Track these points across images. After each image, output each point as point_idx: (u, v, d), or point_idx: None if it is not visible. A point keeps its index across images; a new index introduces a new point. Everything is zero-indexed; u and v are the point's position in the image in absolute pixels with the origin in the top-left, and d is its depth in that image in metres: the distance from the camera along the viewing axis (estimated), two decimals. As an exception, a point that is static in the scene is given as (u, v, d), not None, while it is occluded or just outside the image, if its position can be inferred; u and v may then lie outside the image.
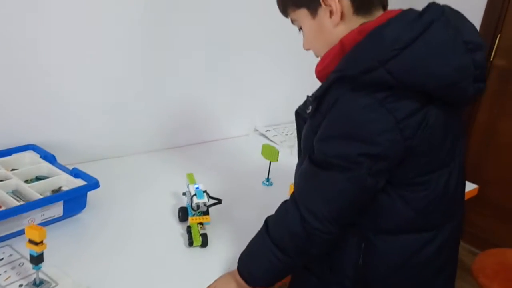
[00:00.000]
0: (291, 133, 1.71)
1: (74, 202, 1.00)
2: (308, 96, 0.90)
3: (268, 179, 1.32)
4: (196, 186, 1.05)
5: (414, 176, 0.78)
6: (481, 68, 0.74)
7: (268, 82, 1.71)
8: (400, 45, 0.70)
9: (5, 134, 1.16)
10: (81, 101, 1.27)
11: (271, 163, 1.29)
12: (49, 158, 1.13)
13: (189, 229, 1.00)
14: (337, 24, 0.81)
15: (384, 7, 0.83)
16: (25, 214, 0.91)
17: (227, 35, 1.51)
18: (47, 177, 1.09)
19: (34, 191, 0.98)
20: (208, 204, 1.01)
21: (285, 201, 0.86)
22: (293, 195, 0.83)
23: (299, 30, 0.91)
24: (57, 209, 0.97)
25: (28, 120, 1.19)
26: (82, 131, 1.30)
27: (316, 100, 0.80)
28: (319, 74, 0.84)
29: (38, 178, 1.08)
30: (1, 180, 1.03)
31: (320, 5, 0.81)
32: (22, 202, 0.95)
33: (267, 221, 0.87)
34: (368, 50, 0.73)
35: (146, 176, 1.29)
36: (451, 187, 0.82)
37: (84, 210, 1.04)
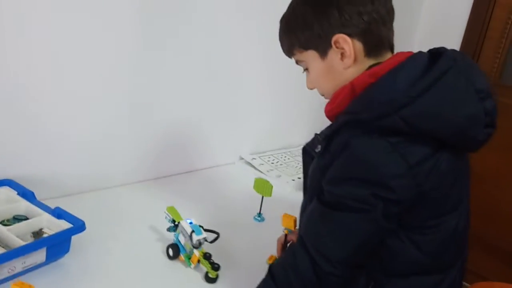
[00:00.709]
0: (277, 162, 1.67)
1: (57, 247, 0.92)
2: (316, 134, 0.88)
3: (259, 214, 1.27)
4: (189, 221, 1.01)
5: (425, 220, 0.77)
6: (491, 115, 0.74)
7: (253, 109, 1.66)
8: (414, 93, 0.69)
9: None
10: (60, 131, 1.18)
11: (263, 197, 1.25)
12: (27, 195, 1.04)
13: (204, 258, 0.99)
14: (348, 67, 0.79)
15: (392, 49, 0.83)
16: (5, 264, 0.83)
17: (212, 63, 1.46)
18: (25, 217, 1.00)
19: (13, 235, 0.89)
20: (210, 240, 1.00)
21: (292, 245, 0.83)
22: (300, 238, 0.79)
23: (304, 71, 0.89)
24: (39, 256, 0.89)
25: (2, 153, 1.10)
26: (61, 163, 1.21)
27: (326, 139, 0.78)
28: (329, 113, 0.83)
29: (15, 218, 0.99)
30: (-25, 222, 0.94)
31: (330, 47, 0.80)
32: (1, 249, 0.86)
33: (271, 268, 0.83)
34: (381, 96, 0.72)
35: (129, 211, 1.22)
36: (460, 229, 0.81)
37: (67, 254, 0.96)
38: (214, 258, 1.01)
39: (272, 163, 1.65)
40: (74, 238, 0.96)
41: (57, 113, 1.16)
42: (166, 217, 1.04)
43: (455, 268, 0.84)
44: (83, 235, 0.97)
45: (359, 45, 0.78)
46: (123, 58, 1.24)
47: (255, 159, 1.65)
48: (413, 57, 0.76)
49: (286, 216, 1.04)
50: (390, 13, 0.81)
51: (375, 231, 0.74)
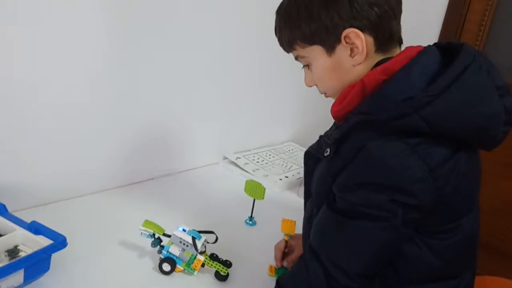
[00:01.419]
0: (262, 160, 1.61)
1: (37, 266, 0.83)
2: (321, 136, 0.82)
3: (251, 218, 1.21)
4: (181, 228, 0.95)
5: (442, 224, 0.73)
6: (509, 113, 0.70)
7: (235, 107, 1.59)
8: (435, 91, 0.65)
9: None
10: (29, 136, 1.07)
11: (255, 200, 1.18)
12: (-2, 208, 0.94)
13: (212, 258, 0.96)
14: (359, 64, 0.74)
15: (400, 43, 0.78)
16: (-23, 290, 0.73)
17: (192, 61, 1.37)
18: (-2, 233, 0.90)
19: (-15, 256, 0.80)
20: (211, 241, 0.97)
21: (301, 257, 0.77)
22: (311, 249, 0.74)
23: (304, 67, 0.83)
24: (16, 278, 0.79)
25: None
26: (32, 171, 1.10)
27: (336, 143, 0.72)
28: (336, 114, 0.77)
29: (-15, 235, 0.89)
30: None
31: (339, 42, 0.74)
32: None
33: (279, 283, 0.77)
34: (398, 94, 0.67)
35: (109, 221, 1.12)
36: (474, 230, 0.78)
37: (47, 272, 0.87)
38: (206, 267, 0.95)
39: (257, 162, 1.59)
40: (54, 254, 0.86)
41: (26, 117, 1.06)
42: (142, 234, 0.95)
43: (469, 271, 0.81)
44: (64, 249, 0.88)
45: (370, 40, 0.73)
46: (97, 55, 1.13)
47: (239, 158, 1.59)
48: (425, 52, 0.72)
49: (285, 221, 0.98)
50: (399, 5, 0.75)
51: (395, 238, 0.70)
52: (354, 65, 0.75)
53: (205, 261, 0.93)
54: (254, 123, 1.70)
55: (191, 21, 1.31)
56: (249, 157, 1.61)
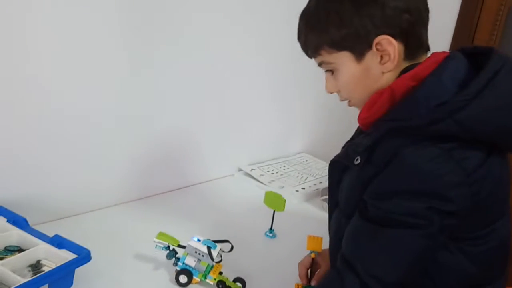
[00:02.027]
0: (277, 172, 1.59)
1: (61, 281, 0.81)
2: (347, 144, 0.80)
3: (271, 230, 1.19)
4: (196, 239, 0.93)
5: (477, 229, 0.72)
6: None
7: (249, 119, 1.58)
8: (469, 95, 0.64)
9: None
10: (50, 149, 1.06)
11: (275, 212, 1.17)
12: (19, 222, 0.92)
13: (222, 284, 0.92)
14: (388, 71, 0.73)
15: (427, 50, 0.78)
16: (2, 306, 0.71)
17: (207, 73, 1.36)
18: (19, 247, 0.89)
19: (8, 271, 0.78)
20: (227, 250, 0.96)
21: (331, 269, 0.76)
22: (344, 260, 0.72)
23: (327, 73, 0.81)
24: (40, 293, 0.78)
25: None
26: (49, 184, 1.09)
27: (368, 150, 0.71)
28: (364, 121, 0.76)
29: (7, 250, 0.88)
30: (-39, 257, 0.82)
31: (369, 48, 0.72)
32: (-5, 288, 0.74)
33: None
34: (431, 100, 0.66)
35: (127, 234, 1.10)
36: (507, 235, 0.77)
37: None
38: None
39: (272, 173, 1.58)
40: (77, 269, 0.85)
41: (46, 133, 1.05)
42: (157, 246, 0.94)
43: (503, 277, 0.79)
44: (86, 264, 0.86)
45: (401, 48, 0.72)
46: (111, 66, 1.12)
47: (254, 170, 1.57)
48: (453, 57, 0.71)
49: (311, 238, 0.96)
50: (428, 13, 0.75)
51: (431, 246, 0.68)
52: (383, 73, 0.74)
53: (219, 278, 0.92)
54: (267, 135, 1.68)
55: (205, 33, 1.30)
56: (263, 169, 1.59)
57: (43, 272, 0.79)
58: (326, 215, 1.31)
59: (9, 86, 0.97)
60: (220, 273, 0.94)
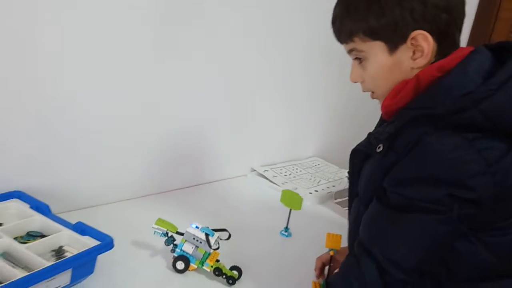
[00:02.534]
0: (290, 174, 1.60)
1: (83, 267, 0.81)
2: (370, 134, 0.81)
3: (287, 228, 1.19)
4: (195, 226, 0.95)
5: (498, 220, 0.72)
6: None
7: (264, 120, 1.59)
8: (494, 85, 0.66)
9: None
10: (71, 141, 1.08)
11: (291, 211, 1.17)
12: (42, 208, 0.93)
13: (219, 271, 0.92)
14: (418, 67, 0.74)
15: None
16: (28, 288, 0.72)
17: (224, 72, 1.38)
18: (40, 233, 0.89)
19: (34, 254, 0.78)
20: (224, 238, 0.97)
21: (349, 255, 0.77)
22: (361, 245, 0.74)
23: (354, 61, 0.82)
24: (64, 278, 0.78)
25: (9, 162, 0.98)
26: (71, 175, 1.10)
27: (391, 137, 0.72)
28: (387, 109, 0.77)
29: (29, 235, 0.88)
30: (-15, 239, 0.82)
31: (404, 42, 0.73)
32: (20, 270, 0.75)
33: (328, 283, 0.76)
34: (457, 89, 0.68)
35: (141, 227, 1.08)
36: None
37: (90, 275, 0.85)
38: (245, 280, 0.95)
39: (285, 175, 1.58)
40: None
41: (69, 121, 1.06)
42: (155, 232, 0.95)
43: None
44: (104, 253, 0.86)
45: (435, 46, 0.73)
46: (129, 62, 1.13)
47: (267, 171, 1.58)
48: (478, 51, 0.73)
49: (330, 235, 0.97)
50: (464, 17, 0.76)
51: (450, 232, 0.69)
52: (413, 68, 0.75)
53: (215, 265, 0.93)
54: (280, 137, 1.69)
55: (219, 34, 1.31)
56: (276, 170, 1.60)
57: (67, 257, 0.80)
58: (340, 217, 1.34)
59: (37, 82, 0.98)
60: (217, 260, 0.95)
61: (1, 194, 0.95)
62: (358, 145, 0.83)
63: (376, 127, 0.90)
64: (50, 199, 0.98)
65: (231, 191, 1.44)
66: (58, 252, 0.84)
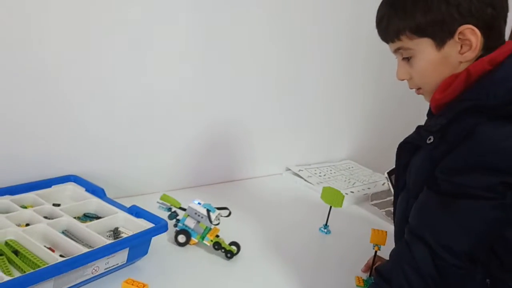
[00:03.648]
0: (324, 175, 1.61)
1: (139, 247, 0.84)
2: (420, 127, 0.82)
3: (326, 225, 1.20)
4: (197, 202, 0.98)
5: None
6: None
7: (301, 121, 1.61)
8: None
9: (40, 162, 0.99)
10: (110, 132, 1.11)
11: (331, 208, 1.19)
12: (97, 191, 0.97)
13: (218, 245, 0.96)
14: (467, 61, 0.76)
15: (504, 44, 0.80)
16: (90, 263, 0.75)
17: (268, 70, 1.41)
18: (95, 215, 0.93)
19: (94, 232, 0.82)
20: (225, 215, 1.00)
21: (399, 244, 0.79)
22: (412, 232, 0.75)
23: (400, 60, 0.83)
24: (121, 256, 0.81)
25: (65, 148, 1.03)
26: (120, 162, 1.14)
27: (442, 129, 0.73)
28: (437, 102, 0.78)
29: (86, 216, 0.92)
30: (46, 217, 0.86)
31: (451, 37, 0.75)
32: (82, 246, 0.78)
33: (381, 271, 0.77)
34: (509, 81, 0.70)
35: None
36: None
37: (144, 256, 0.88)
38: (285, 275, 0.96)
39: (320, 175, 1.60)
40: (149, 240, 0.88)
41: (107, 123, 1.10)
42: (160, 207, 0.99)
43: None
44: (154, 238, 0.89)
45: (482, 39, 0.74)
46: (170, 54, 1.16)
47: (302, 170, 1.59)
48: None
49: (375, 231, 0.97)
50: (507, 11, 0.78)
51: (502, 219, 0.69)
52: (461, 62, 0.76)
53: (215, 240, 0.96)
54: (314, 139, 1.71)
55: (262, 34, 1.34)
56: (310, 171, 1.62)
57: (124, 237, 0.83)
58: (378, 218, 1.35)
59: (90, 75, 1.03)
60: (217, 236, 0.98)
61: (58, 177, 0.99)
62: (406, 138, 0.84)
63: (425, 123, 0.91)
64: (104, 184, 1.02)
65: (267, 188, 1.46)
66: (115, 232, 0.88)
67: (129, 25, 1.05)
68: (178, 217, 0.99)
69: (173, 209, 0.99)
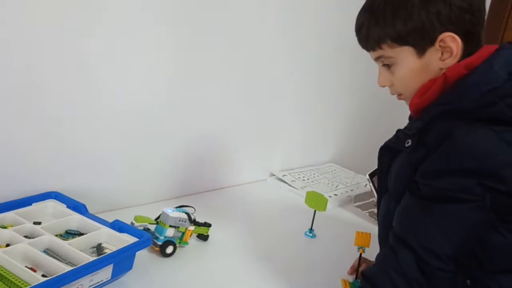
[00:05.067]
0: (308, 179, 1.62)
1: (123, 263, 0.84)
2: (399, 130, 0.84)
3: (311, 230, 1.21)
4: (170, 210, 1.00)
5: None
6: None
7: (283, 127, 1.62)
8: None
9: (19, 179, 0.97)
10: (91, 145, 1.10)
11: (316, 212, 1.19)
12: (79, 208, 0.96)
13: (200, 235, 1.07)
14: (447, 67, 0.77)
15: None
16: (74, 282, 0.74)
17: (243, 77, 1.41)
18: (78, 231, 0.92)
19: (77, 250, 0.81)
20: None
21: (383, 250, 0.79)
22: (397, 238, 0.76)
23: (381, 67, 0.84)
24: (106, 273, 0.80)
25: (44, 164, 1.01)
26: (102, 178, 1.13)
27: (419, 132, 0.75)
28: (415, 107, 0.80)
29: (68, 233, 0.91)
30: (27, 236, 0.84)
31: (431, 45, 0.76)
32: (64, 264, 0.77)
33: (367, 275, 0.78)
34: (483, 85, 0.71)
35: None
36: None
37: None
38: (272, 281, 0.97)
39: (303, 180, 1.61)
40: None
41: (92, 134, 1.10)
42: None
43: None
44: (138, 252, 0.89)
45: (462, 46, 0.76)
46: (156, 70, 1.17)
47: (286, 175, 1.60)
48: (502, 48, 0.76)
49: (360, 233, 0.98)
50: (485, 14, 0.79)
51: (484, 220, 0.71)
52: (441, 68, 0.77)
53: (193, 230, 1.03)
54: (297, 143, 1.72)
55: (243, 39, 1.35)
56: (294, 175, 1.63)
57: (107, 253, 0.82)
58: (362, 220, 1.36)
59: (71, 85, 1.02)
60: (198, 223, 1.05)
61: (38, 194, 0.97)
62: (386, 142, 0.85)
63: (405, 127, 0.93)
64: (85, 199, 1.00)
65: (252, 195, 1.46)
66: (98, 248, 0.86)
67: (106, 38, 1.04)
68: (150, 231, 0.99)
69: (147, 226, 1.00)
